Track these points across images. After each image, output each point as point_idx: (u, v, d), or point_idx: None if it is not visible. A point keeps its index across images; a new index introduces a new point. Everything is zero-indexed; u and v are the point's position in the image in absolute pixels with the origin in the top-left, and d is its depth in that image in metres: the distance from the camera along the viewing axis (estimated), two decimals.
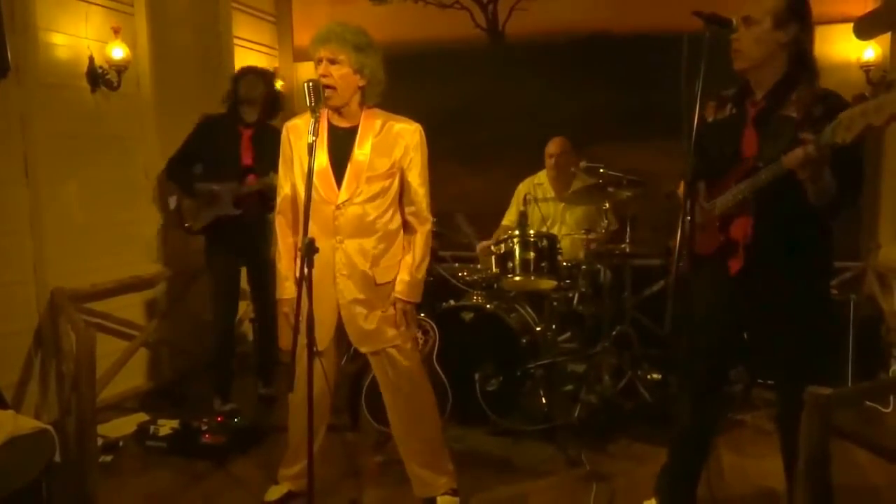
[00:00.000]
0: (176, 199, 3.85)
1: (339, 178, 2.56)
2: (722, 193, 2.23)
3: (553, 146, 4.22)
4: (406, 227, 2.69)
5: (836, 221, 2.17)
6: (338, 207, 2.55)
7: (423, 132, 2.63)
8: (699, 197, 2.27)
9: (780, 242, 2.15)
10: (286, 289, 2.66)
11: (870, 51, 4.34)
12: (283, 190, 2.68)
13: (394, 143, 2.58)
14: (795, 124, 2.03)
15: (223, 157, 3.75)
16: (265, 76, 3.87)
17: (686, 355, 2.41)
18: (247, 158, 3.76)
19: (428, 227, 2.71)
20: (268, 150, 3.66)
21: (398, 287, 2.64)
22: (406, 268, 2.65)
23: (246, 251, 3.87)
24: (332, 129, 2.60)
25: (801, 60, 2.17)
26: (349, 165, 2.56)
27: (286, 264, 2.68)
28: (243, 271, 3.99)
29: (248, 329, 4.67)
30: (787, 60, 2.16)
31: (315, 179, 2.41)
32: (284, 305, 2.67)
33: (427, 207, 2.69)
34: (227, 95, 3.80)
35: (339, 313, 2.62)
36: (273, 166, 3.64)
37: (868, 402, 3.62)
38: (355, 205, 2.56)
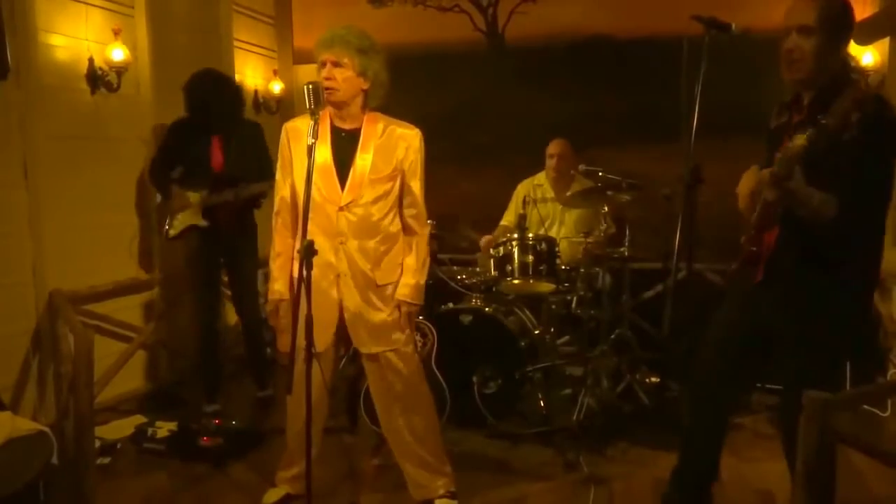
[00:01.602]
0: (157, 202, 3.83)
1: (342, 179, 2.57)
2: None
3: (554, 147, 4.23)
4: (406, 230, 2.70)
5: (863, 237, 2.10)
6: (341, 209, 2.56)
7: (422, 137, 2.65)
8: (757, 196, 2.21)
9: (800, 255, 2.11)
10: (273, 290, 2.68)
11: (868, 56, 4.35)
12: (281, 192, 2.68)
13: (395, 147, 2.60)
14: (830, 135, 1.95)
15: (195, 162, 3.72)
16: (218, 82, 3.73)
17: (700, 357, 2.39)
18: (216, 163, 3.73)
19: (427, 229, 2.74)
20: (237, 150, 3.68)
21: (403, 290, 2.65)
22: (410, 271, 2.67)
23: (226, 255, 3.84)
24: (335, 131, 2.61)
25: (845, 66, 2.15)
26: (353, 167, 2.56)
27: (279, 265, 2.69)
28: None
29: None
30: (832, 67, 2.13)
31: (317, 180, 2.42)
32: (270, 306, 2.69)
33: (425, 210, 2.71)
34: (184, 101, 3.69)
35: (341, 314, 2.63)
36: (243, 163, 3.58)
37: (866, 407, 3.62)
38: (360, 206, 2.57)
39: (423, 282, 2.69)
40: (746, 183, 2.24)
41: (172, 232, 3.71)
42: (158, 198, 3.81)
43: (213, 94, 3.64)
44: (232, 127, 3.74)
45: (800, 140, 1.77)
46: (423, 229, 2.71)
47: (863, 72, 2.19)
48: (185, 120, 3.74)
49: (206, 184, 3.67)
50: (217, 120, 3.68)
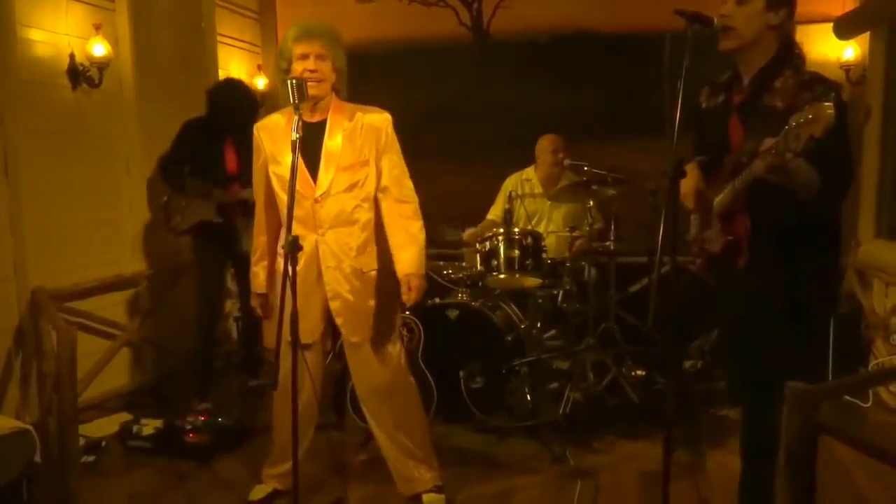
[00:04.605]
0: (166, 197, 3.84)
1: (313, 171, 2.57)
2: (719, 186, 2.19)
3: (553, 142, 4.23)
4: (392, 203, 2.64)
5: (830, 212, 2.15)
6: (316, 201, 2.57)
7: (391, 119, 2.66)
8: (704, 193, 2.24)
9: (779, 238, 2.12)
10: (257, 284, 2.76)
11: (849, 50, 4.39)
12: (259, 194, 2.72)
13: (366, 132, 2.61)
14: (781, 116, 1.93)
15: (208, 163, 3.79)
16: (243, 89, 3.91)
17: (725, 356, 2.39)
18: (231, 166, 3.81)
19: (416, 201, 2.68)
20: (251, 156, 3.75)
21: (405, 263, 2.60)
22: (403, 242, 2.62)
23: (233, 251, 3.87)
24: (303, 125, 2.60)
25: (788, 47, 2.15)
26: (322, 157, 2.57)
27: (255, 259, 2.76)
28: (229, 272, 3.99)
29: (231, 327, 4.64)
30: (774, 46, 2.13)
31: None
32: (254, 299, 2.77)
33: (412, 186, 2.69)
34: (207, 105, 3.83)
35: (327, 307, 2.63)
36: None
37: (848, 398, 3.66)
38: (333, 196, 2.58)
39: (422, 250, 2.64)
40: (690, 182, 2.25)
41: (183, 226, 3.78)
42: (165, 197, 3.84)
43: (235, 99, 3.77)
44: (247, 131, 3.78)
45: (828, 109, 1.70)
46: (413, 203, 2.67)
47: (803, 57, 2.18)
48: (199, 120, 3.84)
49: (219, 184, 3.76)
50: (234, 123, 3.74)
